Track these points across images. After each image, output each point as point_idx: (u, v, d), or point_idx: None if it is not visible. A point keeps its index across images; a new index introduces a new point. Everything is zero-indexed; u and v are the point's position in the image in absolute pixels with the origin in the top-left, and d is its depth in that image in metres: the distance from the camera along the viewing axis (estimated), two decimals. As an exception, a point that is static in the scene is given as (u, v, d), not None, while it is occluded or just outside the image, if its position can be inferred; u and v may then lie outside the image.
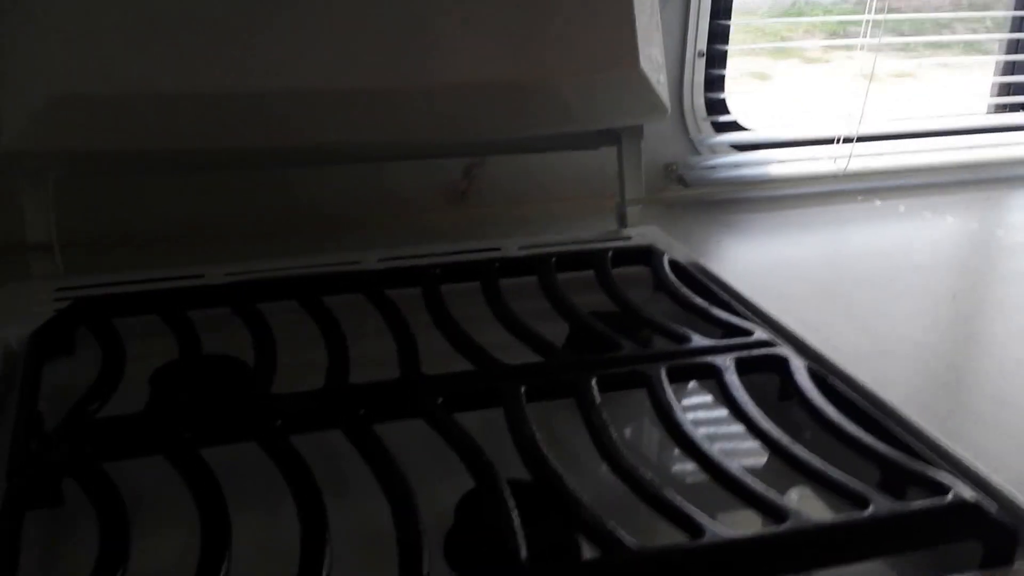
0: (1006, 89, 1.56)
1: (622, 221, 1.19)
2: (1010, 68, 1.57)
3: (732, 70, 1.38)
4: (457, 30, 1.04)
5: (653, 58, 1.11)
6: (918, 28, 1.59)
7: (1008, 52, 1.55)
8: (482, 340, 0.84)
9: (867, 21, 1.39)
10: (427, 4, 1.03)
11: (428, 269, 0.96)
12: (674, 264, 1.05)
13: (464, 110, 1.06)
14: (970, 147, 1.50)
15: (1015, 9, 1.53)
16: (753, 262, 1.23)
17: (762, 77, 1.60)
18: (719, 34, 1.35)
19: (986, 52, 1.63)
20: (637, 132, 1.16)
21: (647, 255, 1.07)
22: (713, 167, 1.39)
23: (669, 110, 1.13)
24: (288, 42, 0.97)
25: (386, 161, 1.25)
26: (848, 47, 1.44)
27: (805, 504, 0.68)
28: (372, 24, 1.00)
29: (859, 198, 1.41)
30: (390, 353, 0.80)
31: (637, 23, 1.08)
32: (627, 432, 0.81)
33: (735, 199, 1.40)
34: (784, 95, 1.49)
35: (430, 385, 0.72)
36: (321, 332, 0.81)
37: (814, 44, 1.73)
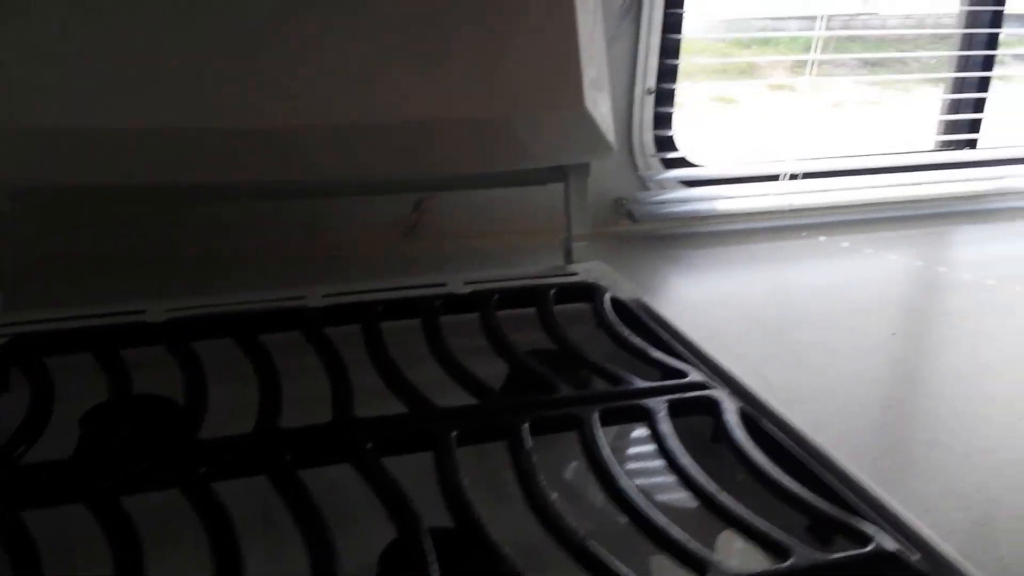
0: (950, 127, 1.59)
1: (568, 257, 1.19)
2: (955, 106, 1.59)
3: (689, 101, 1.40)
4: (406, 68, 1.05)
5: (599, 97, 1.12)
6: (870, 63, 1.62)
7: (953, 90, 1.58)
8: (421, 380, 0.84)
9: (812, 61, 1.41)
10: (376, 42, 1.03)
11: (370, 306, 0.97)
12: (616, 302, 1.06)
13: (413, 147, 1.07)
14: (914, 183, 1.53)
15: (960, 49, 1.56)
16: (699, 298, 1.24)
17: (727, 101, 1.62)
18: (668, 72, 1.37)
19: (935, 83, 1.66)
20: (583, 169, 1.17)
21: (590, 292, 1.07)
22: (661, 203, 1.40)
23: (615, 148, 1.14)
24: (238, 79, 0.97)
25: (336, 197, 1.25)
26: (791, 87, 1.46)
27: (736, 550, 0.69)
28: (324, 62, 1.01)
29: (804, 234, 1.43)
30: (326, 394, 0.80)
31: (583, 62, 1.09)
32: (567, 475, 0.81)
33: (683, 234, 1.41)
34: (733, 130, 1.50)
35: (361, 428, 0.72)
36: (255, 372, 0.81)
37: (743, 88, 1.75)
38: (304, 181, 1.12)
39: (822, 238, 1.42)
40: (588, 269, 1.18)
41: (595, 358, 0.92)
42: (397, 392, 0.80)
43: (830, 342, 1.11)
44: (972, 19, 1.55)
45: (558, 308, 1.05)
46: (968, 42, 1.56)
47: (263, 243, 1.23)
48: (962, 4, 1.55)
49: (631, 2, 1.30)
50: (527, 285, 1.08)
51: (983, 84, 1.57)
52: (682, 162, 1.43)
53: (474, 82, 1.06)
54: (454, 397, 0.82)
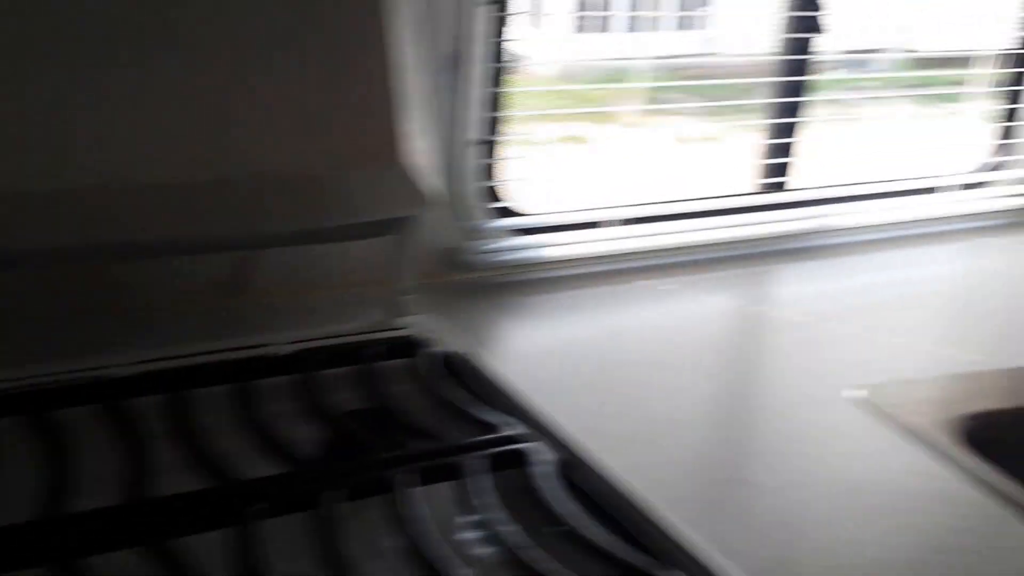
0: (765, 170, 1.66)
1: (397, 311, 1.19)
2: (769, 150, 1.66)
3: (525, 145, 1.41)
4: (220, 125, 1.03)
5: (419, 149, 1.12)
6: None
7: (772, 135, 1.64)
8: (232, 450, 0.81)
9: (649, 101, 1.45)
10: (189, 99, 1.01)
11: (180, 373, 0.94)
12: (441, 356, 1.06)
13: (230, 204, 1.04)
14: (733, 225, 1.58)
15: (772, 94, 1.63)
16: (529, 347, 1.25)
17: (574, 139, 1.63)
18: (494, 122, 1.39)
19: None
20: (410, 222, 1.17)
21: (414, 347, 1.07)
22: (492, 252, 1.41)
23: (437, 200, 1.14)
24: (57, 139, 0.93)
25: (153, 257, 1.21)
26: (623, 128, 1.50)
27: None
28: (135, 120, 0.98)
29: (631, 278, 1.46)
30: (124, 472, 0.77)
31: (402, 116, 1.09)
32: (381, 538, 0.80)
33: (515, 282, 1.42)
34: (564, 175, 1.53)
35: (155, 508, 0.70)
36: (43, 452, 0.77)
37: (542, 133, 1.79)
38: (116, 242, 1.08)
39: (652, 281, 1.45)
40: (417, 323, 1.17)
41: (414, 416, 0.91)
42: (200, 466, 0.77)
43: (651, 386, 1.13)
44: (782, 66, 1.62)
45: (384, 365, 1.05)
46: (779, 88, 1.63)
47: (64, 306, 1.17)
48: (773, 51, 1.63)
49: (455, 53, 1.31)
50: (351, 343, 1.07)
51: (791, 130, 1.64)
52: (512, 211, 1.45)
53: (290, 137, 1.05)
54: (266, 467, 0.81)
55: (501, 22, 1.34)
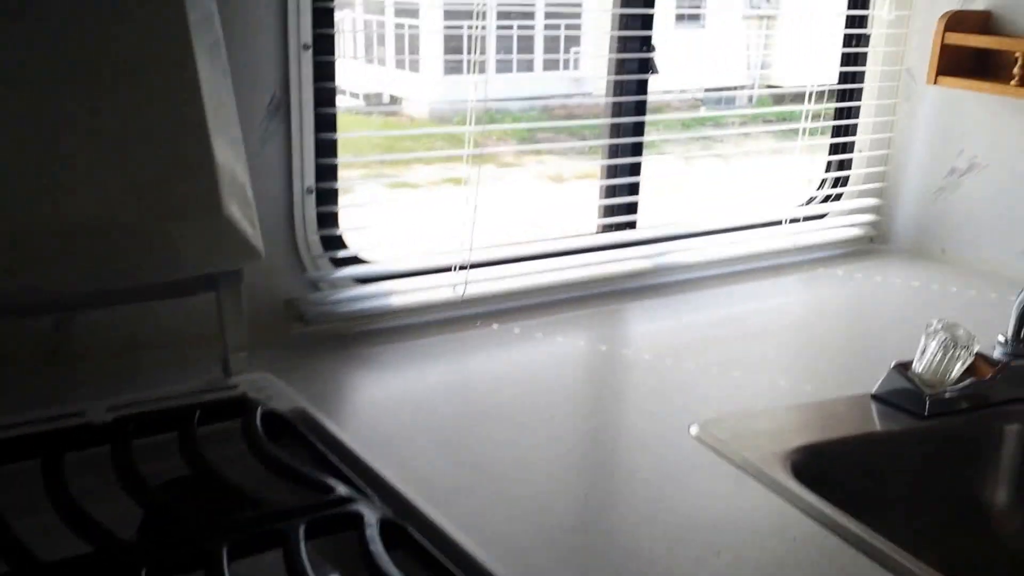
0: (609, 210, 1.68)
1: (227, 370, 1.14)
2: (611, 190, 1.68)
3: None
4: (43, 178, 0.98)
5: (240, 201, 1.09)
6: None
7: (608, 175, 1.66)
8: (38, 529, 0.76)
9: (467, 155, 1.45)
10: (6, 152, 0.96)
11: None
12: (273, 416, 1.02)
13: (43, 259, 0.99)
14: (580, 265, 1.59)
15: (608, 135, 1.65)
16: (373, 400, 1.22)
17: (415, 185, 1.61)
18: (329, 171, 1.36)
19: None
20: (235, 277, 1.13)
21: (245, 407, 1.03)
22: (334, 302, 1.38)
23: (262, 253, 1.11)
24: None
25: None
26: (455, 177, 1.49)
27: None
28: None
29: (478, 323, 1.45)
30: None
31: (220, 169, 1.06)
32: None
33: (360, 332, 1.39)
34: (402, 223, 1.51)
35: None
36: None
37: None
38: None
39: (495, 326, 1.44)
40: (251, 381, 1.13)
41: (242, 482, 0.87)
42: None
43: (498, 435, 1.12)
44: (617, 108, 1.65)
45: (213, 428, 1.00)
46: (619, 127, 1.65)
47: None
48: (607, 94, 1.65)
49: (279, 101, 1.28)
50: (177, 406, 1.02)
51: (635, 169, 1.66)
52: (354, 260, 1.42)
53: (109, 191, 1.01)
54: (74, 547, 0.76)
55: (328, 67, 1.32)
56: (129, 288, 1.08)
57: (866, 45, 1.84)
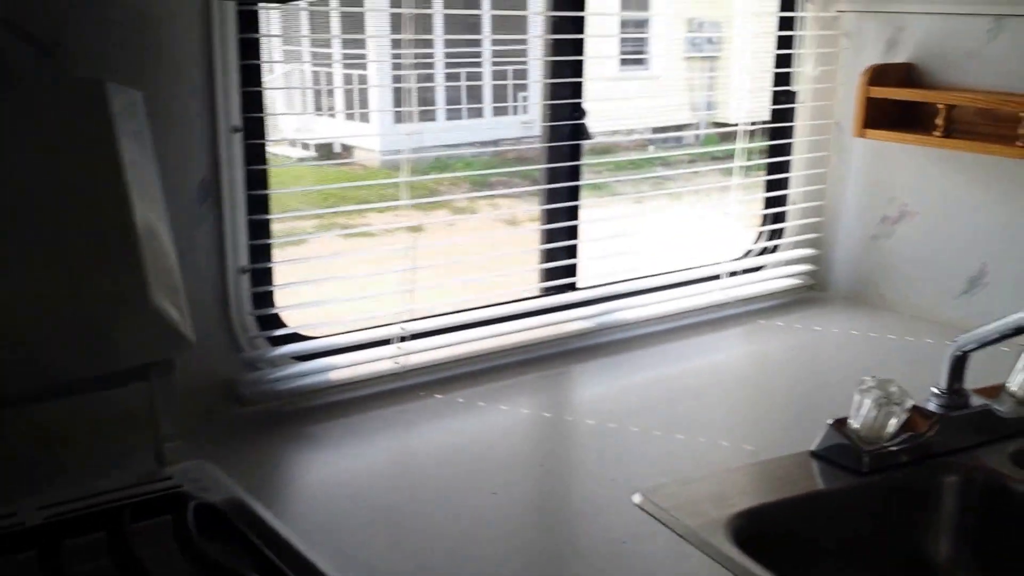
0: (548, 274, 1.69)
1: (160, 460, 1.13)
2: (550, 254, 1.69)
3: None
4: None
5: (169, 290, 1.08)
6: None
7: (546, 233, 1.67)
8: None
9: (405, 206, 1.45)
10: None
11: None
12: (206, 509, 1.01)
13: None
14: (521, 329, 1.59)
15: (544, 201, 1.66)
16: (314, 484, 1.20)
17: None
18: (263, 250, 1.36)
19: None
20: (167, 366, 1.12)
21: (178, 501, 1.01)
22: (272, 381, 1.37)
23: (193, 341, 1.10)
24: None
25: None
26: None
27: None
28: None
29: (421, 393, 1.44)
30: None
31: (147, 260, 1.04)
32: None
33: (299, 410, 1.38)
34: (338, 293, 1.50)
35: None
36: None
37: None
38: None
39: (437, 396, 1.44)
40: (185, 470, 1.12)
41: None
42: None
43: (437, 514, 1.11)
44: (553, 155, 1.67)
45: (144, 524, 0.99)
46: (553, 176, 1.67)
47: None
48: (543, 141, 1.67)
49: (209, 184, 1.27)
50: (107, 504, 1.00)
51: (572, 232, 1.68)
52: (292, 337, 1.41)
53: (34, 288, 1.00)
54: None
55: (259, 148, 1.32)
56: (61, 384, 1.07)
57: (795, 101, 1.88)
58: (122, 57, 1.18)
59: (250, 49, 1.29)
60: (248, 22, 1.28)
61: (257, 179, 1.33)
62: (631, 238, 1.80)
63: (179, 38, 1.23)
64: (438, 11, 1.63)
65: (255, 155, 1.32)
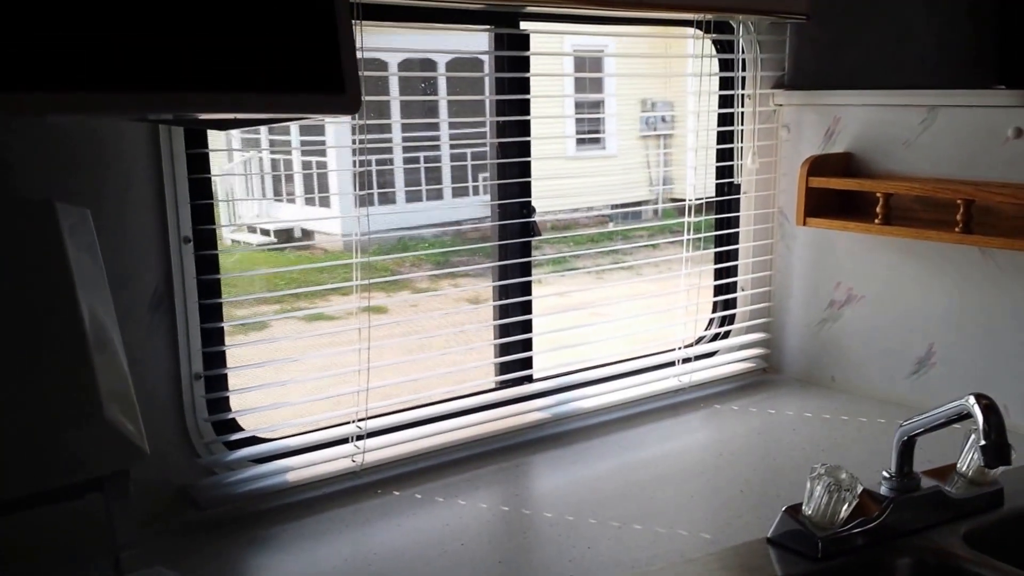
0: (504, 367, 1.71)
1: (118, 569, 1.12)
2: (505, 348, 1.72)
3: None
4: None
5: (123, 403, 1.08)
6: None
7: (501, 328, 1.70)
8: None
9: (356, 286, 1.47)
10: None
11: None
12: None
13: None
14: (478, 423, 1.60)
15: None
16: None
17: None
18: (218, 357, 1.37)
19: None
20: (121, 477, 1.12)
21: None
22: (229, 484, 1.37)
23: (147, 453, 1.10)
24: None
25: None
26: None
27: None
28: None
29: (379, 491, 1.44)
30: None
31: (99, 374, 1.05)
32: None
33: (256, 512, 1.38)
34: (296, 395, 1.51)
35: None
36: None
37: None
38: None
39: (395, 492, 1.44)
40: (145, 577, 1.11)
41: None
42: None
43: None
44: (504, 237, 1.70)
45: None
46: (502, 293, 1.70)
47: None
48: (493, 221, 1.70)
49: (162, 294, 1.29)
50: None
51: (527, 326, 1.71)
52: (248, 440, 1.42)
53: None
54: None
55: (211, 259, 1.35)
56: (14, 498, 1.06)
57: (738, 191, 1.93)
58: (71, 175, 1.21)
59: (199, 162, 1.32)
60: (196, 137, 1.32)
61: (209, 287, 1.35)
62: (588, 326, 1.83)
63: (128, 154, 1.26)
64: (395, 97, 1.66)
65: (207, 264, 1.34)
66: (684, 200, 1.85)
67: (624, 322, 1.87)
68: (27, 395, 1.02)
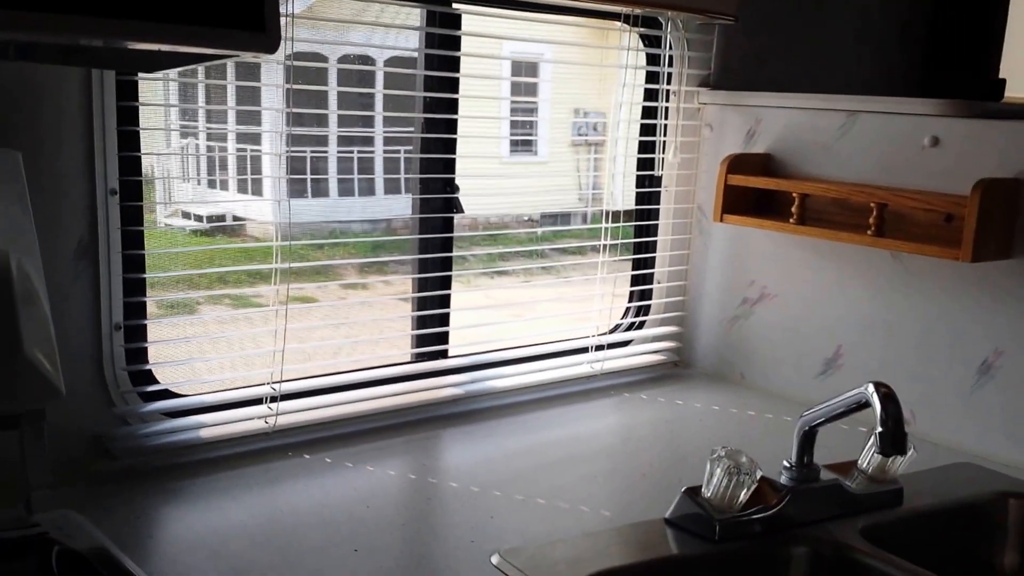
0: (421, 339, 1.74)
1: (28, 508, 1.13)
2: (422, 321, 1.74)
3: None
4: None
5: (42, 343, 1.08)
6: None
7: (418, 308, 1.72)
8: None
9: (275, 270, 1.48)
10: None
11: None
12: (70, 555, 1.01)
13: None
14: (392, 394, 1.63)
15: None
16: (176, 537, 1.22)
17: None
18: (138, 308, 1.37)
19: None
20: (37, 415, 1.12)
21: (37, 547, 1.01)
22: (143, 436, 1.38)
23: (63, 391, 1.11)
24: None
25: None
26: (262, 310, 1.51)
27: None
28: None
29: (290, 453, 1.46)
30: None
31: (20, 312, 1.06)
32: None
33: (168, 465, 1.39)
34: (213, 353, 1.51)
35: None
36: None
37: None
38: None
39: (306, 456, 1.46)
40: (52, 519, 1.13)
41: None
42: None
43: (299, 569, 1.13)
44: (424, 245, 1.72)
45: (8, 567, 0.98)
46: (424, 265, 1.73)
47: None
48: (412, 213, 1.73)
49: (87, 243, 1.30)
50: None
51: (445, 301, 1.73)
52: (164, 394, 1.42)
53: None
54: None
55: (136, 211, 1.35)
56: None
57: (659, 185, 1.98)
58: (4, 120, 1.22)
59: (129, 115, 1.33)
60: (127, 90, 1.33)
61: (133, 239, 1.36)
62: (508, 323, 1.87)
63: (60, 103, 1.27)
64: (332, 88, 1.67)
65: (131, 217, 1.35)
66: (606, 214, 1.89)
67: (544, 321, 1.91)
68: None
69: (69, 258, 1.29)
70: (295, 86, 1.44)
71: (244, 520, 1.26)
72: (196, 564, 1.12)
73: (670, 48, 1.89)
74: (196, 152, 1.88)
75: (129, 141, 1.34)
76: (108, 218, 1.31)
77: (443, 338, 1.74)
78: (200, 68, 1.45)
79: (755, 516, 1.25)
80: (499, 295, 1.90)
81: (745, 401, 1.86)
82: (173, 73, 1.39)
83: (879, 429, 1.17)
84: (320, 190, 1.52)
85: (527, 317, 1.91)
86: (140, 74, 1.34)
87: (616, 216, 1.91)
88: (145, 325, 1.39)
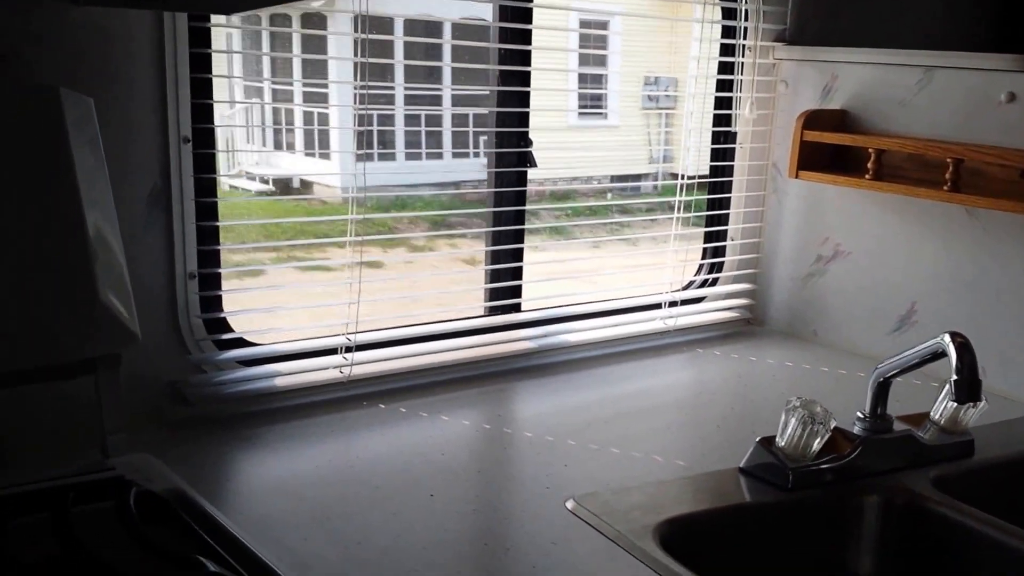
0: (495, 293, 1.73)
1: (105, 451, 1.15)
2: (496, 275, 1.74)
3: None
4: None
5: (117, 287, 1.10)
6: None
7: (490, 261, 1.72)
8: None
9: (351, 221, 1.48)
10: None
11: None
12: (148, 496, 1.03)
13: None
14: (465, 347, 1.63)
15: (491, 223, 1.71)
16: (254, 481, 1.23)
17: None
18: (212, 256, 1.39)
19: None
20: (113, 361, 1.14)
21: (116, 489, 1.03)
22: (219, 384, 1.39)
23: (139, 337, 1.13)
24: None
25: None
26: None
27: None
28: None
29: (364, 403, 1.47)
30: None
31: (96, 257, 1.08)
32: None
33: (243, 414, 1.40)
34: (288, 303, 1.53)
35: None
36: None
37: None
38: None
39: (381, 406, 1.47)
40: (129, 462, 1.14)
41: (109, 562, 0.88)
42: None
43: (375, 515, 1.14)
44: (498, 198, 1.72)
45: (88, 509, 1.01)
46: (497, 218, 1.72)
47: None
48: (488, 167, 1.72)
49: (160, 191, 1.31)
50: (52, 487, 1.02)
51: (518, 254, 1.73)
52: (239, 342, 1.44)
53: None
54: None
55: (209, 158, 1.36)
56: (5, 373, 1.09)
57: (734, 141, 1.95)
58: (76, 67, 1.22)
59: (201, 63, 1.33)
60: (200, 37, 1.33)
61: (206, 187, 1.36)
62: (580, 294, 1.87)
63: (133, 50, 1.27)
64: (399, 61, 1.67)
65: (204, 165, 1.35)
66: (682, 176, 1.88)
67: (616, 278, 1.90)
68: (23, 276, 1.04)
69: (143, 205, 1.30)
70: (369, 35, 1.43)
71: (321, 466, 1.27)
72: (274, 508, 1.13)
73: (745, 2, 1.86)
74: (262, 102, 1.89)
75: (199, 90, 1.34)
76: (181, 166, 1.32)
77: (516, 292, 1.74)
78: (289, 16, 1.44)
79: (828, 465, 1.24)
80: (571, 265, 1.90)
81: (818, 357, 1.83)
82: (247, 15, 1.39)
83: (954, 377, 1.15)
84: (385, 158, 1.52)
85: (598, 285, 1.91)
86: (212, 19, 1.34)
87: (690, 184, 1.89)
88: (219, 274, 1.39)
